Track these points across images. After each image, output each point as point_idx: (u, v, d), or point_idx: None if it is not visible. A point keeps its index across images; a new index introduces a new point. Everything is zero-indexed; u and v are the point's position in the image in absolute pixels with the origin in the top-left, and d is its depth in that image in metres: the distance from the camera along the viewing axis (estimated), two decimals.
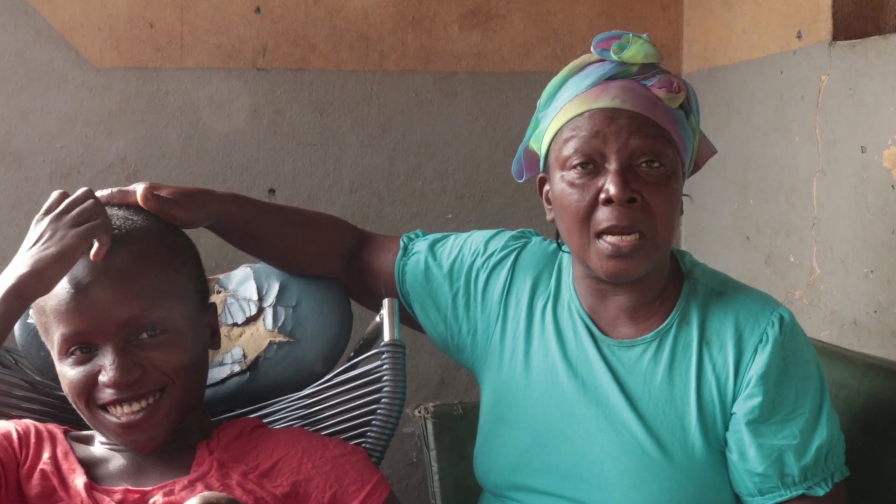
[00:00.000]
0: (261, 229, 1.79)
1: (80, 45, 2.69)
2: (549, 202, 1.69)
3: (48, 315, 1.50)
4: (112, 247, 1.49)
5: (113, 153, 2.73)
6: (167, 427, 1.52)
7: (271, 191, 2.81)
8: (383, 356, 1.71)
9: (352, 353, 1.85)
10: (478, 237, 1.85)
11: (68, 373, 1.50)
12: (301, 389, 1.80)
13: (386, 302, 1.76)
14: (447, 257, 1.83)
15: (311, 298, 1.81)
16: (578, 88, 1.62)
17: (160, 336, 1.50)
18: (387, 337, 1.73)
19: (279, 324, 1.80)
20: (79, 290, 1.48)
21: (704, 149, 1.72)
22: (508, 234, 1.85)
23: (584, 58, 1.65)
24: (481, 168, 2.96)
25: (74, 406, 1.54)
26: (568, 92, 1.63)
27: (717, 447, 1.61)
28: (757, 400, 1.57)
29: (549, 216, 1.70)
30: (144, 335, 1.49)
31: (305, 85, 2.84)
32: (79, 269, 1.48)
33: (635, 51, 1.60)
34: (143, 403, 1.49)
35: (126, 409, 1.49)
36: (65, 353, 1.50)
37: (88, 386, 1.49)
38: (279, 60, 2.81)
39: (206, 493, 1.26)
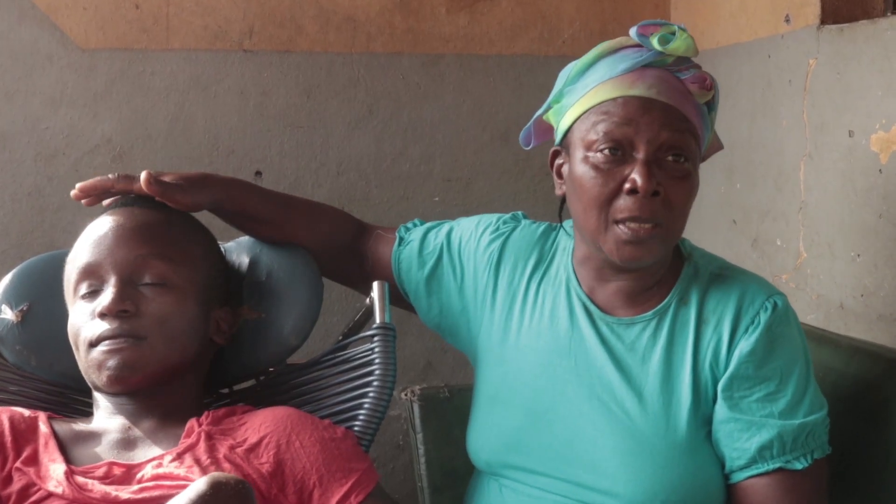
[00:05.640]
0: (263, 213, 1.82)
1: (65, 25, 2.67)
2: (560, 176, 1.70)
3: (71, 262, 1.64)
4: (143, 208, 1.66)
5: (98, 135, 2.72)
6: (147, 372, 1.56)
7: (258, 173, 2.81)
8: (374, 339, 1.72)
9: (340, 336, 1.85)
10: (469, 222, 1.87)
11: (74, 314, 1.61)
12: (279, 363, 1.81)
13: (375, 285, 1.77)
14: (439, 242, 1.85)
15: (280, 271, 1.81)
16: (612, 71, 1.61)
17: (161, 287, 1.59)
18: (377, 320, 1.74)
19: (250, 300, 1.80)
20: (101, 233, 1.63)
21: (714, 143, 1.74)
22: (499, 217, 1.87)
23: (620, 40, 1.65)
24: (468, 151, 2.96)
25: (74, 351, 1.60)
26: (600, 72, 1.62)
27: (708, 424, 1.63)
28: (738, 377, 1.59)
29: (558, 190, 1.71)
30: (149, 282, 1.59)
31: (292, 67, 2.83)
32: (107, 221, 1.64)
33: (679, 43, 1.60)
34: (125, 341, 1.55)
35: (110, 342, 1.55)
36: (77, 291, 1.61)
37: (86, 321, 1.57)
38: (266, 42, 2.80)
39: (216, 474, 1.27)
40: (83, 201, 1.73)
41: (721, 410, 1.61)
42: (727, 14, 2.68)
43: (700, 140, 1.63)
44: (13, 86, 2.66)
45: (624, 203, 1.57)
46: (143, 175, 1.67)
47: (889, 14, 2.26)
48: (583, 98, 1.63)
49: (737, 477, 1.62)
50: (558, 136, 1.70)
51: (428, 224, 1.91)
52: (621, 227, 1.57)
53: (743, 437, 1.59)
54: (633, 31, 1.62)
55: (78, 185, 1.72)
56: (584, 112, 1.62)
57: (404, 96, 2.91)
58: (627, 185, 1.56)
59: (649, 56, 1.61)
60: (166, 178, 1.70)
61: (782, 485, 1.59)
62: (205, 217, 1.77)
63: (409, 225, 1.91)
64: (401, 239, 1.88)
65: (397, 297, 1.86)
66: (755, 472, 1.60)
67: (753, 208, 2.56)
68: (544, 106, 1.72)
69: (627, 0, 3.00)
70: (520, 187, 2.98)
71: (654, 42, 1.60)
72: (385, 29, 2.87)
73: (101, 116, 2.72)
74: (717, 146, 1.76)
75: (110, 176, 1.71)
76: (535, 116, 1.74)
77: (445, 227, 1.88)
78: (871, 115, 2.10)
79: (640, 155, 1.57)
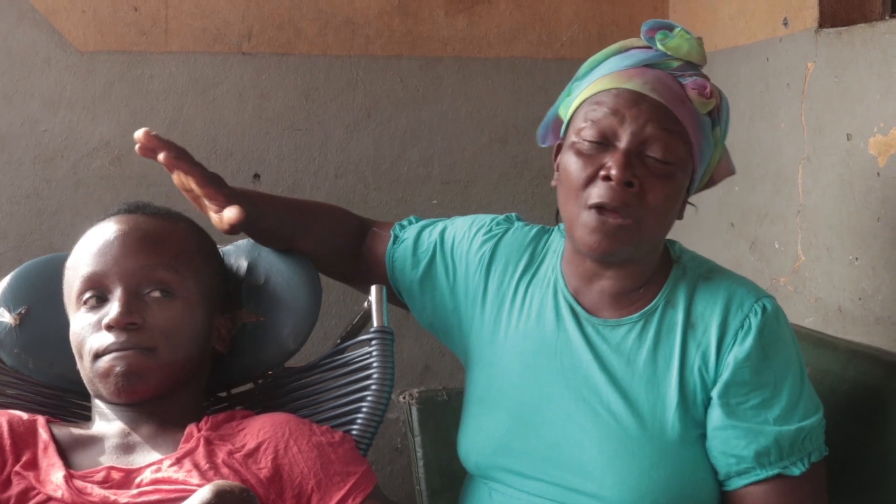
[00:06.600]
0: (263, 221, 1.79)
1: (64, 28, 2.67)
2: (558, 169, 1.70)
3: (73, 269, 1.61)
4: (146, 216, 1.64)
5: (97, 137, 2.72)
6: (152, 383, 1.55)
7: (256, 176, 2.81)
8: (371, 343, 1.71)
9: (339, 340, 1.85)
10: (463, 222, 1.87)
11: (77, 323, 1.58)
12: (278, 367, 1.80)
13: (373, 288, 1.76)
14: (433, 241, 1.85)
15: (278, 275, 1.80)
16: (616, 66, 1.63)
17: (168, 298, 1.58)
18: (375, 323, 1.73)
19: (248, 303, 1.80)
20: (105, 242, 1.60)
21: (724, 166, 1.74)
22: (493, 218, 1.87)
23: (631, 40, 1.67)
24: (466, 153, 2.96)
25: (77, 360, 1.59)
26: (605, 68, 1.65)
27: (696, 428, 1.62)
28: (734, 384, 1.59)
29: (553, 182, 1.71)
30: (155, 292, 1.58)
31: (291, 69, 2.83)
32: (110, 228, 1.61)
33: (678, 43, 1.62)
34: (133, 352, 1.54)
35: (118, 353, 1.53)
36: (80, 300, 1.59)
37: (90, 332, 1.55)
38: (264, 45, 2.80)
39: (220, 482, 1.26)
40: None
41: (717, 417, 1.60)
42: (726, 17, 2.68)
43: (693, 148, 1.62)
44: (12, 88, 2.66)
45: (597, 189, 1.57)
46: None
47: (887, 18, 2.27)
48: (585, 90, 1.65)
49: (734, 484, 1.61)
50: (563, 129, 1.71)
51: (423, 222, 1.90)
52: (592, 212, 1.57)
53: (741, 445, 1.59)
54: (642, 32, 1.65)
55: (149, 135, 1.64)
56: (582, 102, 1.64)
57: (403, 99, 2.91)
58: (602, 172, 1.57)
59: (654, 56, 1.62)
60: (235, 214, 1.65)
61: (780, 490, 1.59)
62: (204, 219, 1.77)
63: (405, 222, 1.91)
64: (395, 237, 1.88)
65: (392, 296, 1.86)
66: (754, 479, 1.59)
67: (752, 211, 2.56)
68: (557, 102, 1.74)
69: (626, 3, 3.00)
70: (518, 190, 2.98)
71: (657, 43, 1.62)
72: (383, 31, 2.87)
73: (100, 119, 2.72)
74: (728, 170, 1.75)
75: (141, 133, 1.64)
76: (550, 113, 1.76)
77: (440, 226, 1.88)
78: (869, 119, 2.10)
79: (622, 144, 1.57)
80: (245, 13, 2.78)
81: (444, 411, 2.15)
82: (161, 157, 1.63)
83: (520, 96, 2.96)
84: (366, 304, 1.78)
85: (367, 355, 1.71)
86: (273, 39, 2.81)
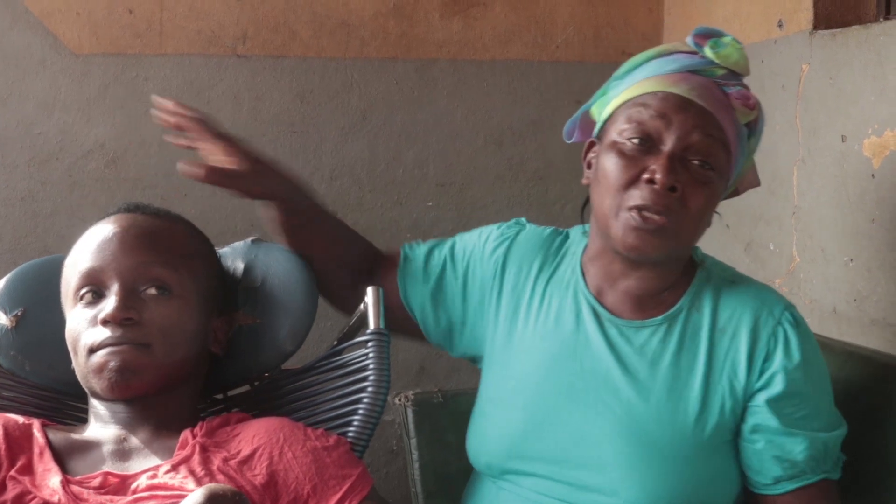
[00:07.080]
0: (298, 234, 1.81)
1: (59, 30, 2.67)
2: (589, 167, 1.71)
3: (71, 266, 1.62)
4: (145, 216, 1.65)
5: (91, 140, 2.71)
6: (146, 379, 1.55)
7: None
8: (368, 345, 1.71)
9: (335, 342, 1.85)
10: (471, 234, 1.89)
11: (73, 318, 1.58)
12: (274, 369, 1.80)
13: (370, 290, 1.76)
14: (443, 256, 1.85)
15: (275, 277, 1.80)
16: (660, 70, 1.63)
17: (165, 296, 1.58)
18: (371, 325, 1.73)
19: (245, 305, 1.79)
20: (104, 239, 1.61)
21: (751, 177, 1.75)
22: (501, 224, 1.88)
23: (675, 44, 1.67)
24: (462, 156, 2.96)
25: (72, 356, 1.59)
26: (648, 70, 1.65)
27: (720, 433, 1.63)
28: (788, 395, 1.60)
29: (584, 179, 1.72)
30: (152, 289, 1.58)
31: (286, 72, 2.82)
32: (108, 226, 1.61)
33: (729, 52, 1.63)
34: (127, 347, 1.54)
35: (112, 348, 1.53)
36: (77, 295, 1.59)
37: (86, 328, 1.56)
38: (259, 47, 2.80)
39: (212, 485, 1.26)
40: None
41: (767, 425, 1.61)
42: (721, 19, 2.68)
43: (732, 157, 1.63)
44: (6, 90, 2.66)
45: (639, 192, 1.57)
46: (202, 171, 1.66)
47: (881, 19, 2.27)
48: (627, 90, 1.65)
49: (784, 487, 1.63)
50: (597, 128, 1.71)
51: (432, 241, 1.90)
52: (632, 213, 1.58)
53: (796, 450, 1.60)
54: (689, 38, 1.65)
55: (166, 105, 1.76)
56: (624, 103, 1.64)
57: (398, 101, 2.91)
58: (646, 176, 1.57)
59: (700, 63, 1.63)
60: (231, 167, 1.69)
61: (824, 492, 1.63)
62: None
63: (413, 244, 1.90)
64: (405, 256, 1.87)
65: (400, 324, 1.84)
66: (804, 482, 1.62)
67: (746, 213, 2.57)
68: (591, 100, 1.73)
69: (621, 5, 3.00)
70: (514, 192, 2.98)
71: (707, 49, 1.62)
72: (379, 34, 2.87)
73: (95, 121, 2.71)
74: (754, 181, 1.76)
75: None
76: (581, 110, 1.76)
77: (449, 242, 1.89)
78: (863, 120, 2.11)
79: (667, 148, 1.58)
80: (240, 16, 2.78)
81: (440, 413, 2.15)
82: (172, 119, 1.74)
83: (515, 98, 2.96)
84: (362, 306, 1.78)
85: (364, 357, 1.71)
86: (268, 42, 2.80)
